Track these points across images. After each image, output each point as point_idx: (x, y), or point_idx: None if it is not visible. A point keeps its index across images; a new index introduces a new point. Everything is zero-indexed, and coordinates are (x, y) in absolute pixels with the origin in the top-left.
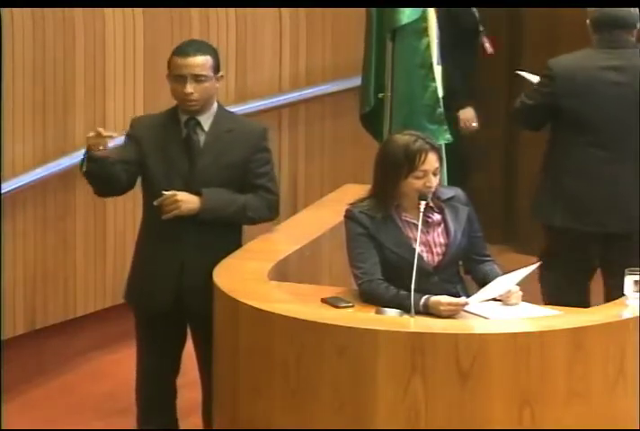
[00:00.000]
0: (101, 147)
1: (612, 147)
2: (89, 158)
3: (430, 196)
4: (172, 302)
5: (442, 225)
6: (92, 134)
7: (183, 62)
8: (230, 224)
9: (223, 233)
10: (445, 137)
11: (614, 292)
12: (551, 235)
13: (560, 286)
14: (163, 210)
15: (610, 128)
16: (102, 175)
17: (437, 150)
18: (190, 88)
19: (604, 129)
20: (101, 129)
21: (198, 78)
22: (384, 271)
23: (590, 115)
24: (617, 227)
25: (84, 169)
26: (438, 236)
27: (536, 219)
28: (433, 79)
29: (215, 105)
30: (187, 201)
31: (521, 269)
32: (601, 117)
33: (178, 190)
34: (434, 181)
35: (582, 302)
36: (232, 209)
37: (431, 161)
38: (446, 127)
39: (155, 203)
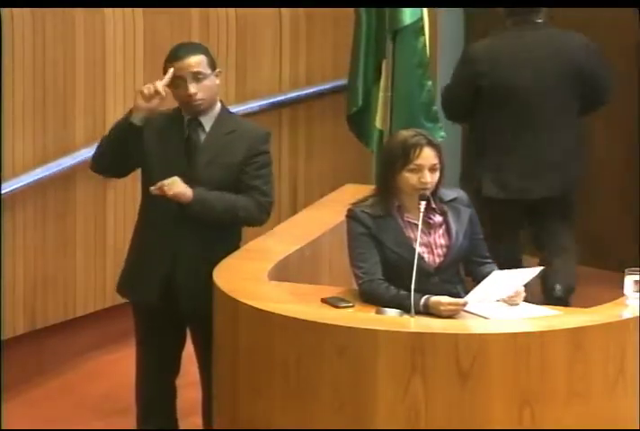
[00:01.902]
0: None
1: (528, 120)
2: (131, 120)
3: (428, 194)
4: (161, 296)
5: (444, 227)
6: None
7: (179, 65)
8: (222, 224)
9: (221, 233)
10: (439, 135)
11: (548, 257)
12: (479, 204)
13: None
14: (161, 192)
15: (525, 102)
16: (125, 146)
17: (435, 146)
18: (192, 88)
19: (519, 103)
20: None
21: (197, 76)
22: (384, 271)
23: (505, 91)
24: (538, 194)
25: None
26: (439, 237)
27: (464, 189)
28: (429, 78)
29: (218, 106)
30: (181, 185)
31: (522, 269)
32: (516, 91)
33: None
34: (429, 178)
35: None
36: (222, 206)
37: (427, 156)
38: (441, 124)
39: (151, 189)
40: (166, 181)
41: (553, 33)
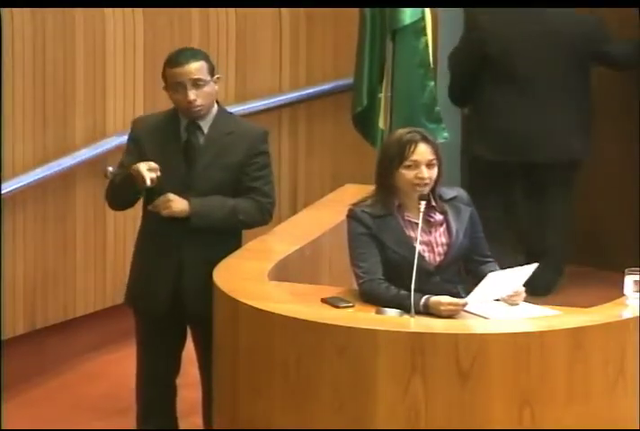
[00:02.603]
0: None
1: (527, 88)
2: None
3: (427, 193)
4: (170, 303)
5: (444, 225)
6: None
7: (179, 71)
8: (225, 230)
9: (222, 234)
10: (443, 136)
11: (537, 226)
12: (479, 168)
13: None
14: (157, 211)
15: (528, 72)
16: (134, 190)
17: (430, 142)
18: (192, 95)
19: (522, 72)
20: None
21: (197, 83)
22: (385, 271)
23: (508, 60)
24: (537, 157)
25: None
26: (440, 236)
27: (465, 154)
28: (431, 78)
29: (215, 107)
30: (179, 201)
31: (518, 268)
32: (518, 61)
33: (176, 192)
34: (426, 173)
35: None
36: (222, 213)
37: (422, 152)
38: (444, 125)
39: (149, 207)
40: (160, 199)
41: (557, 10)
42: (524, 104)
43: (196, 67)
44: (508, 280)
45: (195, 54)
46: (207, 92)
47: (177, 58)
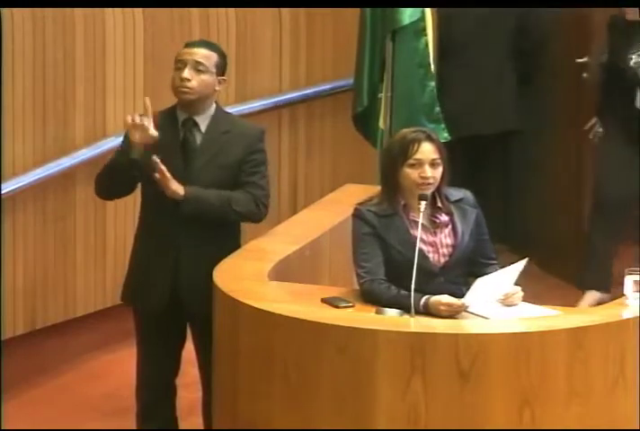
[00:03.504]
0: (148, 138)
1: (471, 63)
2: (130, 156)
3: (428, 194)
4: (168, 300)
5: (450, 226)
6: (130, 121)
7: (187, 50)
8: (221, 221)
9: (220, 232)
10: (443, 136)
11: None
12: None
13: None
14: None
15: (468, 49)
16: (127, 175)
17: (434, 141)
18: (187, 74)
19: (464, 50)
20: (138, 119)
21: (198, 67)
22: (389, 270)
23: (454, 40)
24: (482, 128)
25: (126, 159)
26: (445, 237)
27: None
28: (432, 78)
29: (213, 106)
30: (176, 184)
31: (507, 268)
32: (463, 41)
33: None
34: (430, 173)
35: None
36: (216, 201)
37: (426, 151)
38: (443, 125)
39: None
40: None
41: None
42: (461, 79)
43: (204, 53)
44: (499, 281)
45: (211, 45)
46: (203, 79)
47: (194, 42)
